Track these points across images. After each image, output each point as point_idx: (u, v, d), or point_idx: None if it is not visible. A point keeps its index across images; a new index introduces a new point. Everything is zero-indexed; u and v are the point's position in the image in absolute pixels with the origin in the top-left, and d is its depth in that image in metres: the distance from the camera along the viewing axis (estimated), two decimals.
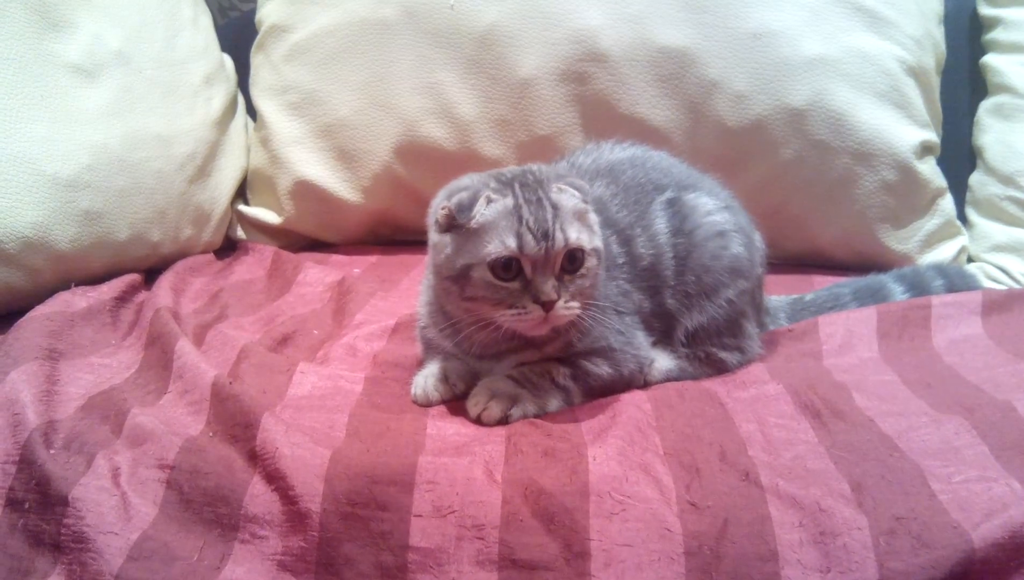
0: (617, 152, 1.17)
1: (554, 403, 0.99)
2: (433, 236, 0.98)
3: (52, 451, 0.85)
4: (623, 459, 0.85)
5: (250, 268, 1.50)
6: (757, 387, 1.02)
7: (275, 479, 0.82)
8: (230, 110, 1.65)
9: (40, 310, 1.15)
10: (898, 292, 1.30)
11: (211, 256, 1.55)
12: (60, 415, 0.92)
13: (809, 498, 0.79)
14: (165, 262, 1.43)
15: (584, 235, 0.95)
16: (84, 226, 1.27)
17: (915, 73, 1.54)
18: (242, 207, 1.65)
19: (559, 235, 0.92)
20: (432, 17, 1.56)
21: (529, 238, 0.91)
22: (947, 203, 1.58)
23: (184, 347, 1.05)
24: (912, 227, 1.54)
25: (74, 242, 1.26)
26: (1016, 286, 1.48)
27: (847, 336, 1.17)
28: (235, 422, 0.90)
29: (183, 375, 1.01)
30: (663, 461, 0.86)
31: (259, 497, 0.81)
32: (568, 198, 0.95)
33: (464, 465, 0.84)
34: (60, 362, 1.04)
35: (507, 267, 0.92)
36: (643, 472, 0.84)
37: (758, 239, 1.16)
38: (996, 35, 1.66)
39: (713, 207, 1.11)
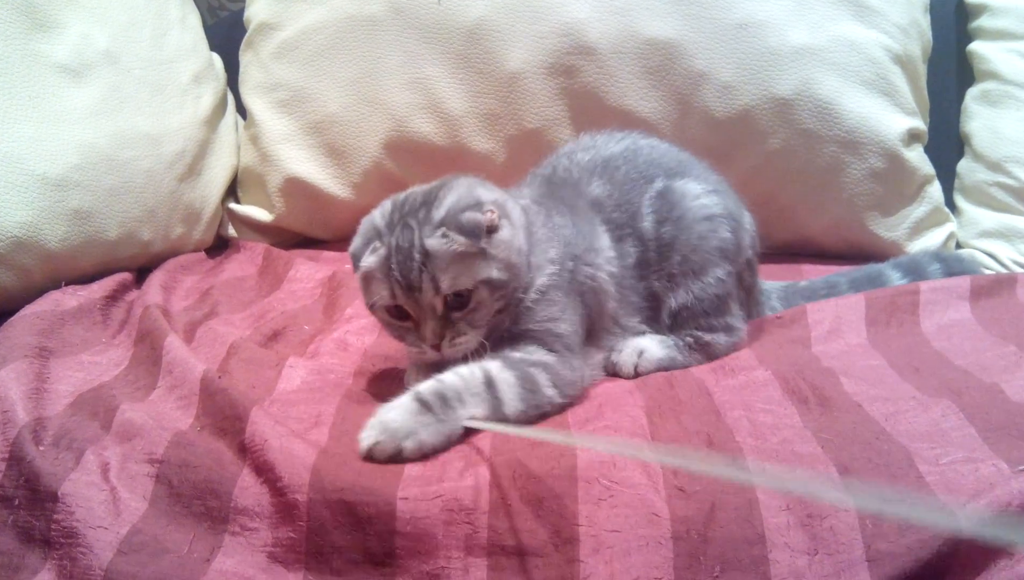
0: (612, 146, 1.17)
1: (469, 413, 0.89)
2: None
3: (41, 447, 0.86)
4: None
5: (241, 265, 1.50)
6: (746, 374, 1.02)
7: (264, 471, 0.82)
8: (219, 108, 1.65)
9: (30, 309, 1.15)
10: (895, 278, 1.31)
11: (202, 254, 1.55)
12: (49, 412, 0.92)
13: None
14: (156, 261, 1.44)
15: (465, 278, 0.93)
16: (74, 225, 1.27)
17: (902, 61, 1.55)
18: (233, 205, 1.65)
19: (427, 286, 0.93)
20: (419, 12, 1.56)
21: (398, 290, 0.94)
22: (935, 190, 1.58)
23: (173, 343, 1.05)
24: (900, 214, 1.55)
25: (64, 241, 1.26)
26: (1004, 271, 1.49)
27: (835, 322, 1.17)
28: (224, 415, 0.90)
29: (172, 370, 1.01)
30: (650, 448, 0.86)
31: (248, 489, 0.81)
32: (445, 244, 0.92)
33: (449, 454, 0.84)
34: (50, 360, 1.04)
35: (396, 311, 0.96)
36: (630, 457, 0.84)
37: (748, 221, 1.17)
38: (982, 22, 1.67)
39: (701, 191, 1.12)
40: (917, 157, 1.55)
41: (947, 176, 1.64)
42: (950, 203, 1.63)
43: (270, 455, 0.83)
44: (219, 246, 1.61)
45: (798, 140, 1.51)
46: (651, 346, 1.09)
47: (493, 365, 0.93)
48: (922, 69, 1.61)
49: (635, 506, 0.78)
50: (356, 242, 0.97)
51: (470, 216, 0.93)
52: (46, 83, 1.31)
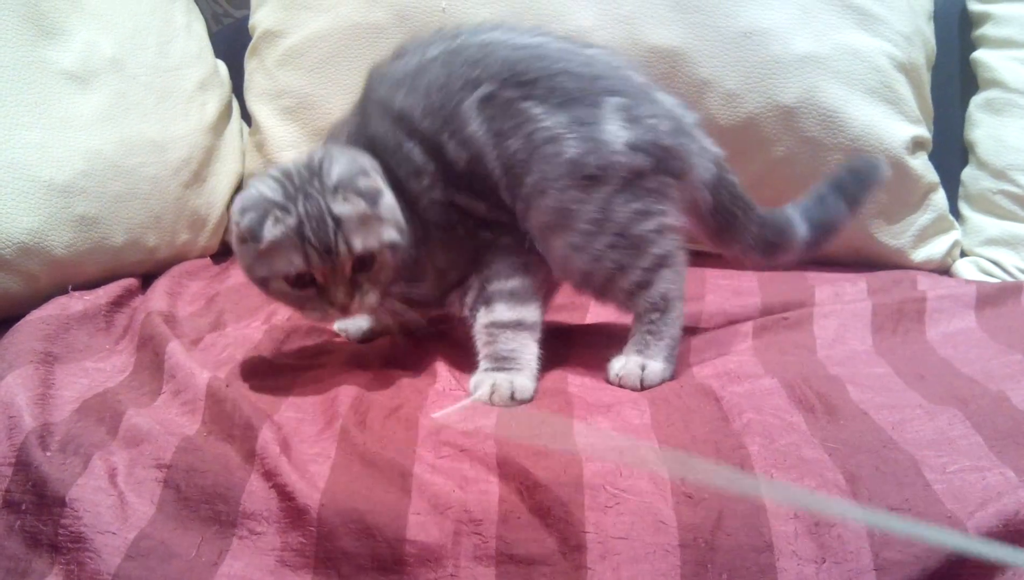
0: (432, 50, 1.10)
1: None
2: (233, 243, 1.02)
3: (48, 453, 0.85)
4: (617, 454, 0.85)
5: None
6: (751, 381, 1.02)
7: (273, 476, 0.82)
8: (225, 115, 1.66)
9: (36, 314, 1.15)
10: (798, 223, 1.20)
11: (207, 261, 1.55)
12: (56, 418, 0.92)
13: (804, 488, 0.80)
14: (161, 267, 1.44)
15: (372, 239, 0.99)
16: (80, 231, 1.27)
17: (906, 69, 1.55)
18: None
19: (342, 248, 0.97)
20: (424, 20, 1.56)
21: (314, 255, 0.96)
22: (939, 198, 1.58)
23: (175, 349, 1.05)
24: (905, 222, 1.55)
25: (70, 247, 1.26)
26: (1009, 279, 1.49)
27: (840, 329, 1.17)
28: (232, 423, 0.90)
29: (175, 376, 1.01)
30: (658, 456, 0.86)
31: (257, 494, 0.81)
32: (351, 208, 0.97)
33: (461, 463, 0.84)
34: (55, 365, 1.04)
35: (300, 280, 0.99)
36: (637, 466, 0.84)
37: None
38: (986, 30, 1.67)
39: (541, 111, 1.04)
40: (921, 165, 1.55)
41: (951, 184, 1.64)
42: (955, 211, 1.63)
43: (280, 462, 0.83)
44: (224, 252, 1.61)
45: (802, 148, 1.51)
46: (653, 360, 1.07)
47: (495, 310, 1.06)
48: (926, 77, 1.61)
49: (642, 513, 0.78)
50: (250, 217, 0.96)
51: (365, 182, 0.98)
52: (52, 90, 1.32)
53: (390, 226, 1.01)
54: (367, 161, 1.03)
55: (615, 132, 1.04)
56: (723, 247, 1.20)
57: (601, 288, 1.07)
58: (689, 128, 1.14)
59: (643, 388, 1.04)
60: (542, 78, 1.04)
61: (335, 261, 0.97)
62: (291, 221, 0.96)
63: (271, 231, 0.96)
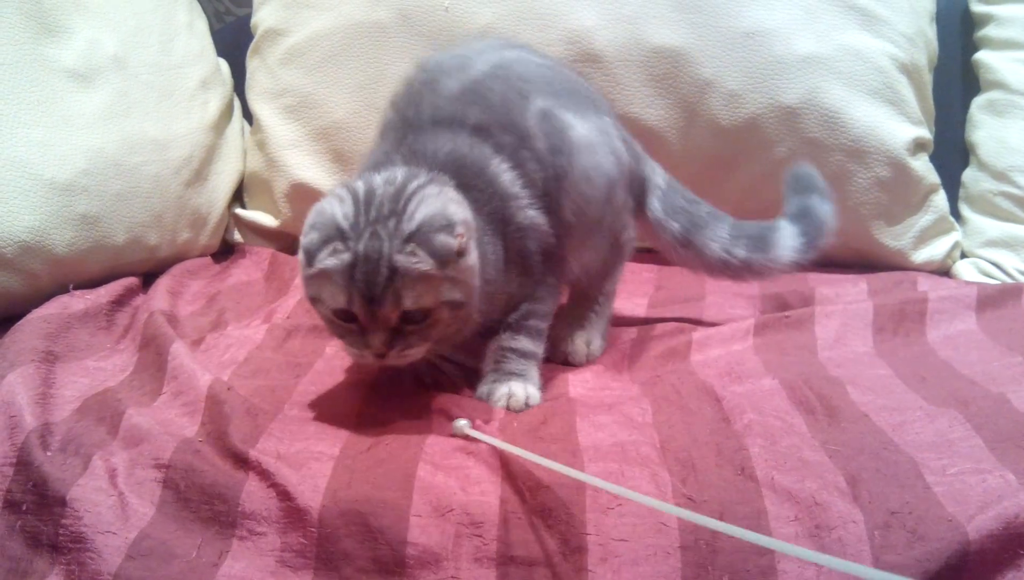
0: (480, 64, 1.09)
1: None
2: (300, 253, 0.95)
3: (49, 453, 0.85)
4: (619, 454, 0.85)
5: (247, 271, 1.51)
6: (752, 382, 1.02)
7: (270, 476, 0.82)
8: (226, 114, 1.66)
9: (37, 312, 1.15)
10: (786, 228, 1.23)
11: (208, 259, 1.55)
12: (56, 417, 0.92)
13: (804, 492, 0.80)
14: (163, 265, 1.44)
15: (428, 297, 0.91)
16: (81, 230, 1.27)
17: (908, 70, 1.55)
18: (239, 210, 1.66)
19: (389, 301, 0.89)
20: (426, 19, 1.56)
21: (357, 299, 0.90)
22: (940, 199, 1.58)
23: (178, 350, 1.05)
24: (906, 223, 1.55)
25: (71, 246, 1.26)
26: (1009, 281, 1.49)
27: (842, 329, 1.17)
28: (231, 424, 0.90)
29: (177, 377, 1.01)
30: (659, 456, 0.86)
31: (255, 494, 0.81)
32: (414, 263, 0.89)
33: (464, 465, 0.84)
34: (56, 365, 1.04)
35: (344, 314, 0.93)
36: (639, 467, 0.84)
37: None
38: (988, 32, 1.67)
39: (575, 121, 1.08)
40: (923, 166, 1.55)
41: (952, 185, 1.64)
42: (955, 212, 1.63)
43: (281, 467, 0.84)
44: (225, 251, 1.61)
45: (804, 149, 1.51)
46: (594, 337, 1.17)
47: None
48: (928, 78, 1.61)
49: (643, 515, 0.78)
50: (312, 237, 0.91)
51: (443, 240, 0.90)
52: (54, 88, 1.31)
53: (459, 287, 0.93)
54: (458, 210, 0.93)
55: (621, 148, 1.14)
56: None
57: (588, 277, 1.17)
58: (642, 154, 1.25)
59: (586, 362, 1.15)
60: (568, 92, 1.11)
61: (377, 311, 0.90)
62: (346, 257, 0.89)
63: (323, 260, 0.91)
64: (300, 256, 0.94)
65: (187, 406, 0.96)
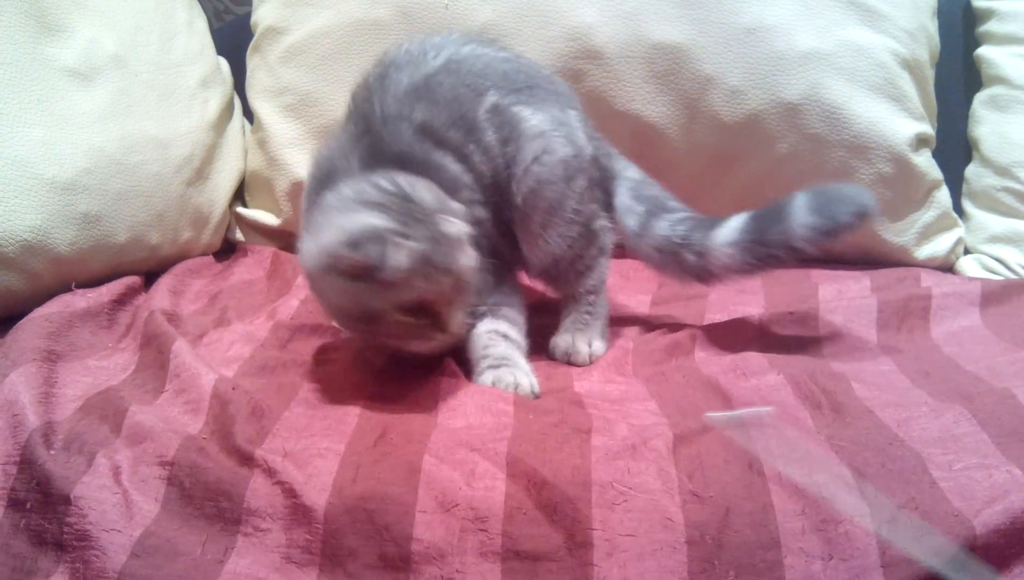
0: (428, 64, 1.12)
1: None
2: (323, 278, 0.96)
3: (52, 451, 0.85)
4: (626, 449, 0.85)
5: (249, 269, 1.50)
6: (758, 377, 1.02)
7: (275, 473, 0.82)
8: (227, 113, 1.65)
9: (39, 312, 1.14)
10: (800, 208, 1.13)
11: (210, 258, 1.55)
12: (59, 416, 0.92)
13: (811, 487, 0.80)
14: (164, 264, 1.43)
15: (467, 258, 0.98)
16: (83, 229, 1.27)
17: (909, 66, 1.55)
18: (240, 209, 1.65)
19: (459, 272, 0.96)
20: (426, 17, 1.56)
21: (446, 280, 0.95)
22: (943, 195, 1.58)
23: (181, 347, 1.05)
24: (909, 219, 1.54)
25: (73, 245, 1.26)
26: (1013, 277, 1.49)
27: (846, 326, 1.17)
28: (236, 422, 0.90)
29: (179, 375, 1.01)
30: (667, 451, 0.86)
31: (260, 491, 0.81)
32: (455, 229, 0.96)
33: (470, 460, 0.84)
34: (58, 363, 1.04)
35: (418, 308, 0.96)
36: (646, 462, 0.84)
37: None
38: (990, 27, 1.67)
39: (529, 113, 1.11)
40: (925, 162, 1.55)
41: (955, 181, 1.63)
42: (958, 208, 1.63)
43: (286, 464, 0.83)
44: (226, 250, 1.61)
45: (806, 145, 1.51)
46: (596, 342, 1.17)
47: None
48: (930, 74, 1.61)
49: (649, 511, 0.78)
50: (366, 250, 0.91)
51: (454, 203, 0.98)
52: (55, 87, 1.31)
53: (469, 246, 0.99)
54: (430, 183, 1.01)
55: (584, 139, 1.16)
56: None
57: (564, 271, 1.17)
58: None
59: (590, 363, 1.15)
60: (529, 87, 1.13)
61: (454, 285, 0.96)
62: (417, 246, 0.92)
63: (398, 260, 0.91)
64: (343, 280, 0.96)
65: (190, 404, 0.96)
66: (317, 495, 0.80)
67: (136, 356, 1.11)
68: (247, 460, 0.84)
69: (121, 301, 1.27)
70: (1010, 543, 0.75)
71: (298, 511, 0.80)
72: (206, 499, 0.81)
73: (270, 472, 0.82)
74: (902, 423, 0.90)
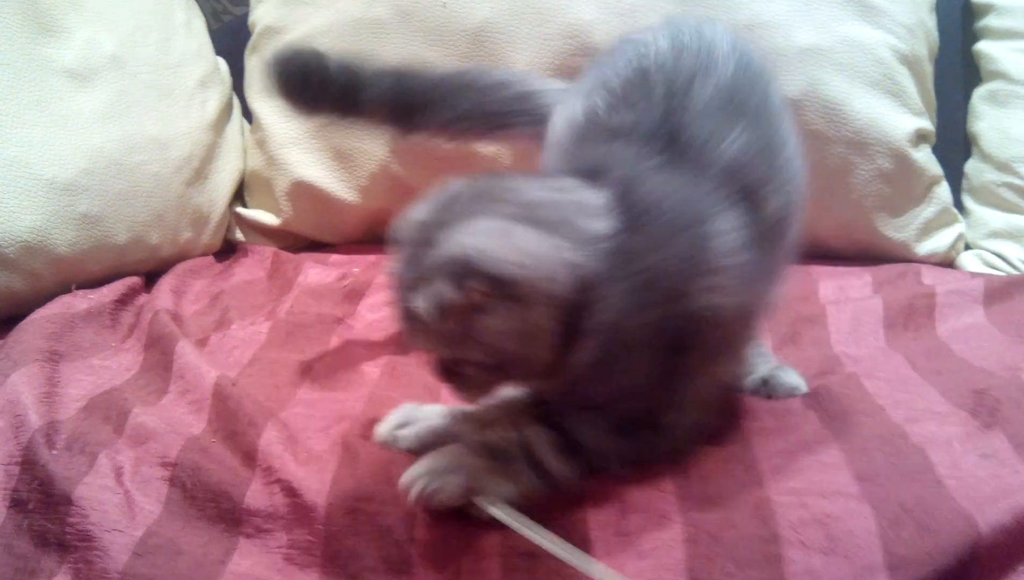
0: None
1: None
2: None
3: (54, 451, 0.85)
4: None
5: (250, 269, 1.50)
6: None
7: (275, 472, 0.82)
8: (225, 113, 1.65)
9: (40, 312, 1.15)
10: None
11: (210, 258, 1.55)
12: (61, 416, 0.92)
13: (813, 484, 0.80)
14: (164, 265, 1.43)
15: (443, 349, 0.78)
16: (83, 230, 1.27)
17: (908, 61, 1.55)
18: (240, 209, 1.65)
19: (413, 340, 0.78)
20: (424, 15, 1.56)
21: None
22: (943, 191, 1.58)
23: (184, 348, 1.05)
24: (909, 215, 1.54)
25: (73, 246, 1.26)
26: (1015, 272, 1.49)
27: (854, 324, 1.17)
28: (237, 420, 0.90)
29: (184, 375, 1.01)
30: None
31: (260, 491, 0.81)
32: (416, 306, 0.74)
33: None
34: (60, 364, 1.03)
35: None
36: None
37: None
38: (988, 22, 1.67)
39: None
40: (925, 157, 1.55)
41: (955, 177, 1.63)
42: (958, 204, 1.63)
43: (286, 461, 0.83)
44: (227, 250, 1.61)
45: (806, 141, 1.50)
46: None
47: None
48: (929, 69, 1.60)
49: (647, 510, 0.78)
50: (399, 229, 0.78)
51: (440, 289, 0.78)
52: (53, 88, 1.31)
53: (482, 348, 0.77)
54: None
55: None
56: None
57: None
58: None
59: None
60: None
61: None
62: (396, 268, 0.78)
63: (391, 266, 0.78)
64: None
65: (193, 404, 0.96)
66: (317, 495, 0.80)
67: (140, 357, 1.11)
68: (248, 460, 0.84)
69: (123, 301, 1.27)
70: (1015, 542, 0.74)
71: (299, 511, 0.80)
72: (208, 500, 0.81)
73: (271, 472, 0.83)
74: (910, 421, 0.90)
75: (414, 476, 0.76)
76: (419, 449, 0.83)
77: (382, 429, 0.86)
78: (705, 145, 0.80)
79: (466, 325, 0.72)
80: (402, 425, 0.86)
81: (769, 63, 0.89)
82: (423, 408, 0.89)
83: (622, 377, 0.78)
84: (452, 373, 0.77)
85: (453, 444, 0.79)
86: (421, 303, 0.71)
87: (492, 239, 0.71)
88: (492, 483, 0.76)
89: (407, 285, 0.73)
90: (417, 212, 0.77)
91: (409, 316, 0.73)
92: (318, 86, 1.03)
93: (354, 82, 1.04)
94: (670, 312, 0.76)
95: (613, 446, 0.80)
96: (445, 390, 0.98)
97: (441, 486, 0.75)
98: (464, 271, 0.70)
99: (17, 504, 0.81)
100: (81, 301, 1.21)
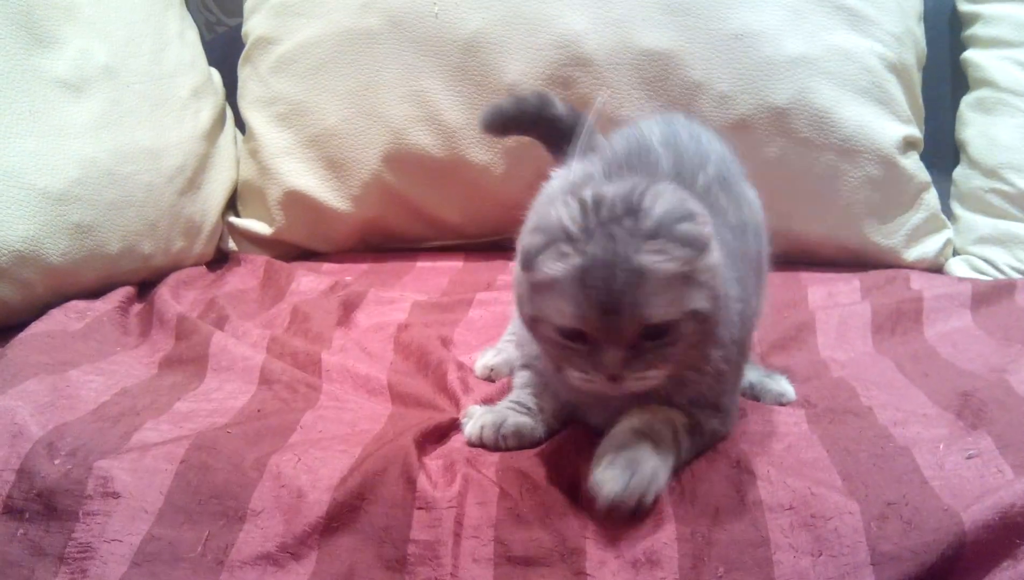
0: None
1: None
2: (515, 266, 0.81)
3: (56, 461, 0.84)
4: None
5: (243, 278, 1.50)
6: None
7: (283, 476, 0.83)
8: (218, 123, 1.66)
9: (38, 327, 1.15)
10: None
11: (203, 268, 1.55)
12: (63, 423, 0.91)
13: (800, 484, 0.80)
14: (157, 275, 1.44)
15: (674, 307, 0.76)
16: (75, 239, 1.28)
17: (896, 70, 1.56)
18: (233, 219, 1.66)
19: (630, 311, 0.75)
20: (416, 26, 1.57)
21: (591, 312, 0.75)
22: (931, 197, 1.59)
23: (220, 341, 1.09)
24: (897, 221, 1.55)
25: (66, 255, 1.26)
26: (1002, 277, 1.50)
27: (843, 329, 1.18)
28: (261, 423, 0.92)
29: (228, 366, 1.05)
30: None
31: (267, 492, 0.81)
32: (661, 261, 0.75)
33: (464, 465, 0.85)
34: (60, 374, 1.03)
35: (572, 332, 0.78)
36: None
37: None
38: (976, 30, 1.68)
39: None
40: (913, 164, 1.56)
41: (943, 183, 1.65)
42: (946, 210, 1.64)
43: (297, 466, 0.84)
44: (219, 260, 1.61)
45: (795, 149, 1.52)
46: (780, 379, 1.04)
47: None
48: (917, 77, 1.62)
49: (640, 514, 0.79)
50: (534, 238, 0.78)
51: (689, 228, 0.76)
52: (46, 98, 1.32)
53: (704, 291, 0.77)
54: (697, 205, 0.80)
55: None
56: None
57: None
58: None
59: None
60: None
61: (613, 324, 0.76)
62: (576, 262, 0.75)
63: (552, 267, 0.76)
64: (516, 264, 0.81)
65: (234, 391, 1.00)
66: (319, 494, 0.80)
67: (156, 358, 1.12)
68: (259, 465, 0.84)
69: (122, 309, 1.28)
70: (999, 538, 0.74)
71: (300, 510, 0.80)
72: (211, 497, 0.81)
73: (275, 472, 0.83)
74: (897, 422, 0.91)
75: (612, 476, 0.79)
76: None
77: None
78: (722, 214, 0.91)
79: (691, 268, 0.76)
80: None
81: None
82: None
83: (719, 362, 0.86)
84: (636, 353, 0.78)
85: (616, 431, 0.83)
86: (663, 255, 0.75)
87: (680, 199, 0.80)
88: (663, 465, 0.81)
89: (617, 255, 0.75)
90: (567, 211, 0.79)
91: (630, 277, 0.75)
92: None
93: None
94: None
95: (715, 429, 0.88)
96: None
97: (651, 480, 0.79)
98: (690, 213, 0.78)
99: (12, 512, 0.81)
100: (77, 314, 1.22)
